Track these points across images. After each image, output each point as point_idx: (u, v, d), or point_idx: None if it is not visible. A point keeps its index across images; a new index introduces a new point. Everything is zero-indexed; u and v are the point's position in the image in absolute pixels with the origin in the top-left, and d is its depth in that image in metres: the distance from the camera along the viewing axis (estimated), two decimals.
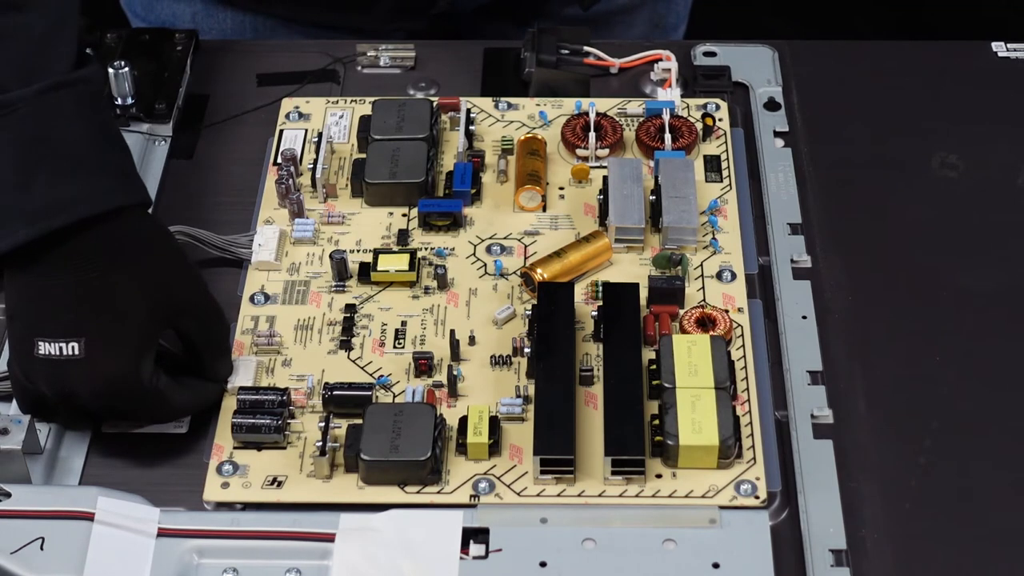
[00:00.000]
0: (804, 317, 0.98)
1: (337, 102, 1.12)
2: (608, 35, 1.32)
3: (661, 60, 1.15)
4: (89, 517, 0.85)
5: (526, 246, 1.02)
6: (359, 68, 1.18)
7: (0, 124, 0.89)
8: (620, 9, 1.33)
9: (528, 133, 1.08)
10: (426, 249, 1.02)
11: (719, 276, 0.99)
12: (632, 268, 1.01)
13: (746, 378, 0.93)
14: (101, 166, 0.91)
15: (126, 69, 1.10)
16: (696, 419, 0.89)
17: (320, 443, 0.89)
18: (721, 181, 1.06)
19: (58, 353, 0.87)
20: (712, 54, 1.17)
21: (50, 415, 0.92)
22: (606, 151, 1.07)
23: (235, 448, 0.91)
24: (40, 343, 0.88)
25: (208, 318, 0.93)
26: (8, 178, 0.89)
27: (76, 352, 0.87)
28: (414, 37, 1.21)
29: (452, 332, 0.95)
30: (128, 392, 0.88)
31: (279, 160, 1.06)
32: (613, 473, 0.88)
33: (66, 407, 0.90)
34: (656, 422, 0.90)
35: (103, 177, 0.90)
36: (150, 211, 0.94)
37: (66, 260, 0.89)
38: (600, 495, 0.88)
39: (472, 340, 0.96)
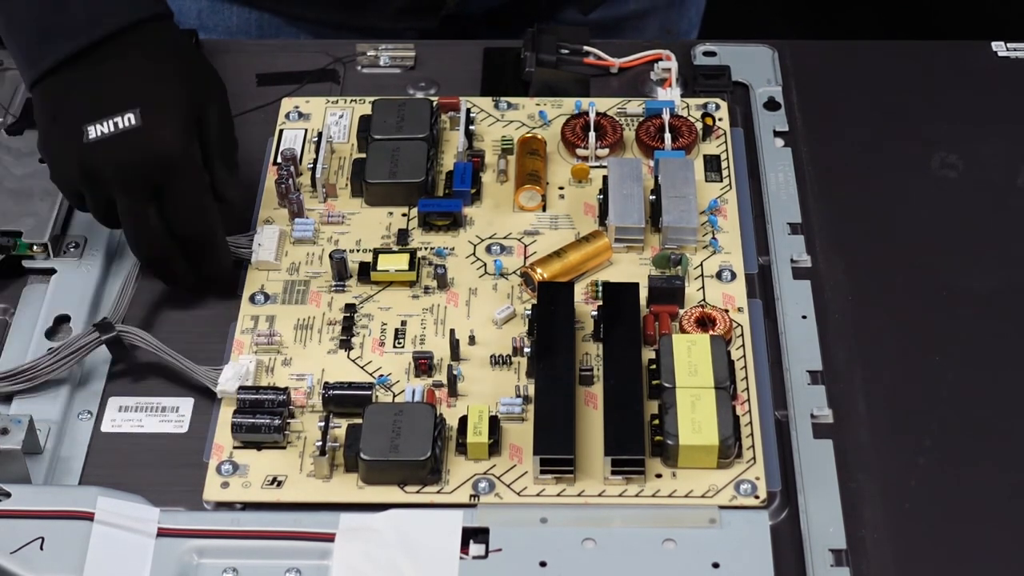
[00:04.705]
0: (804, 317, 0.98)
1: (337, 102, 1.12)
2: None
3: (661, 60, 1.15)
4: (89, 517, 0.85)
5: (526, 246, 1.02)
6: (359, 68, 1.18)
7: None
8: (632, 15, 1.32)
9: (528, 133, 1.08)
10: (426, 249, 1.02)
11: (719, 276, 0.99)
12: (632, 268, 1.01)
13: (746, 378, 0.93)
14: None
15: None
16: (696, 419, 0.89)
17: (320, 443, 0.89)
18: (721, 181, 1.06)
19: (112, 129, 0.91)
20: (712, 54, 1.17)
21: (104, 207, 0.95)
22: (606, 151, 1.07)
23: (235, 448, 0.91)
24: (89, 128, 0.91)
25: (226, 116, 0.98)
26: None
27: (133, 122, 0.91)
28: (425, 37, 1.21)
29: (452, 332, 0.95)
30: (183, 165, 0.92)
31: (279, 160, 1.06)
32: (613, 473, 0.88)
33: (120, 185, 0.92)
34: (656, 422, 0.90)
35: None
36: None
37: (104, 61, 0.93)
38: (600, 495, 0.88)
39: (472, 340, 0.96)
